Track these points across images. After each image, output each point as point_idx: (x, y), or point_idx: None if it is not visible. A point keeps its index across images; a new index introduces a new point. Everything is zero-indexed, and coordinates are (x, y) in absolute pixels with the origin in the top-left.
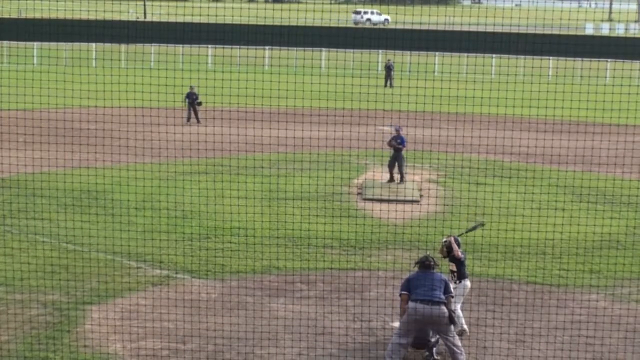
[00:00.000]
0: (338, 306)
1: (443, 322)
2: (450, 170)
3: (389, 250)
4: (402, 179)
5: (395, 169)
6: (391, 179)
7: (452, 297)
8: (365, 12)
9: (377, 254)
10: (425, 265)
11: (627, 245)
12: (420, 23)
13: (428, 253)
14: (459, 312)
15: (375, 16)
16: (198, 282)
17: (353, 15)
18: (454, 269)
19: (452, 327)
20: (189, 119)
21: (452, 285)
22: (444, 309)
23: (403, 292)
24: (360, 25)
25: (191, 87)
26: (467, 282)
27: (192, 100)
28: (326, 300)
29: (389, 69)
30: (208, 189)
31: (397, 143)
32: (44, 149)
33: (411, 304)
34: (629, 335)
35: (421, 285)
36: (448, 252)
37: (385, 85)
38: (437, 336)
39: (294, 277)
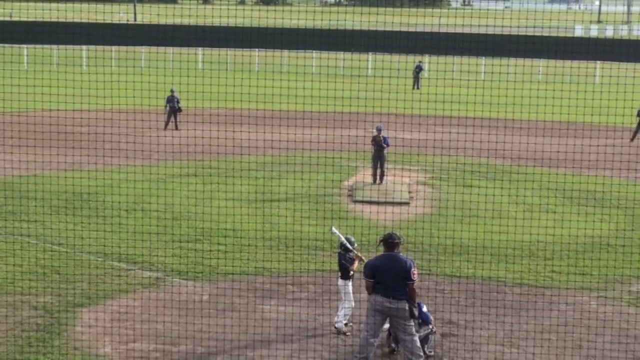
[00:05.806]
0: (329, 308)
1: (403, 315)
2: (440, 172)
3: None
4: (382, 178)
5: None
6: (374, 181)
7: (414, 281)
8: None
9: (367, 255)
10: (389, 244)
11: (617, 247)
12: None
13: (393, 231)
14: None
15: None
16: (188, 284)
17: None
18: None
19: (411, 321)
20: (167, 124)
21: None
22: (403, 303)
23: (370, 280)
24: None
25: (172, 91)
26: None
27: (173, 104)
28: (317, 302)
29: (418, 70)
30: (198, 191)
31: (381, 142)
32: (35, 152)
33: (371, 297)
34: (621, 339)
35: (384, 277)
36: None
37: (414, 88)
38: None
39: (285, 278)
